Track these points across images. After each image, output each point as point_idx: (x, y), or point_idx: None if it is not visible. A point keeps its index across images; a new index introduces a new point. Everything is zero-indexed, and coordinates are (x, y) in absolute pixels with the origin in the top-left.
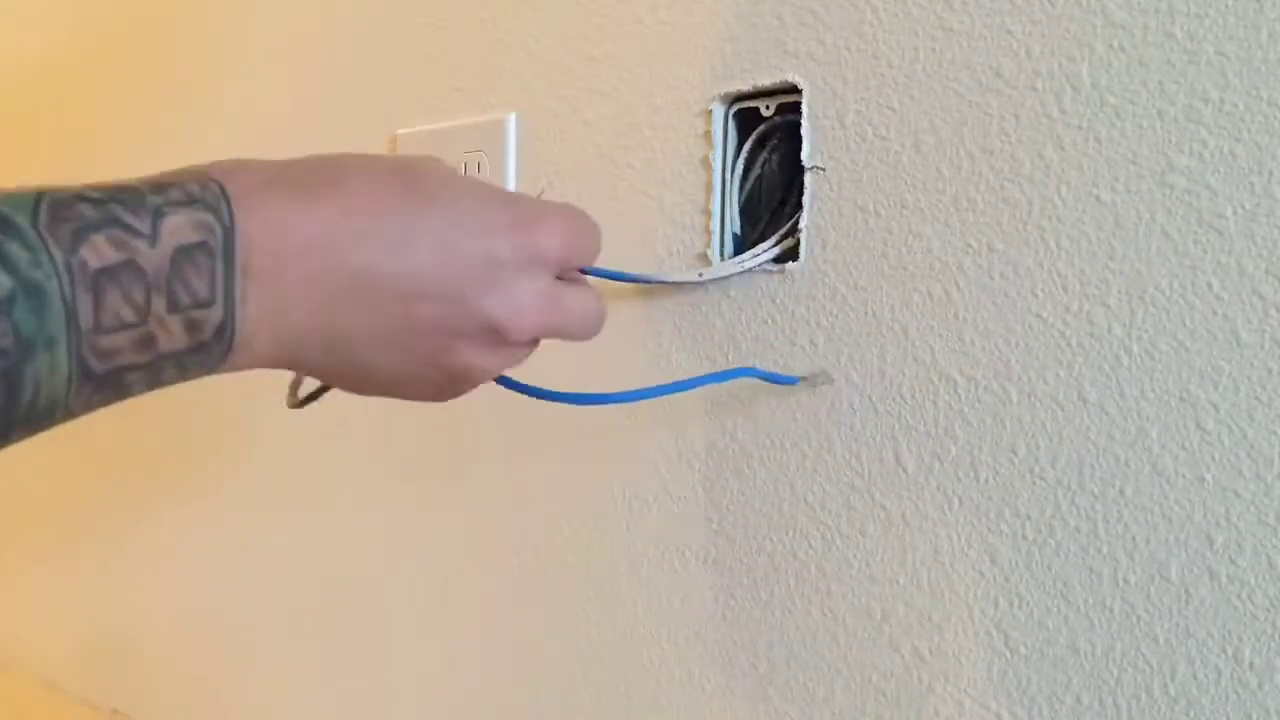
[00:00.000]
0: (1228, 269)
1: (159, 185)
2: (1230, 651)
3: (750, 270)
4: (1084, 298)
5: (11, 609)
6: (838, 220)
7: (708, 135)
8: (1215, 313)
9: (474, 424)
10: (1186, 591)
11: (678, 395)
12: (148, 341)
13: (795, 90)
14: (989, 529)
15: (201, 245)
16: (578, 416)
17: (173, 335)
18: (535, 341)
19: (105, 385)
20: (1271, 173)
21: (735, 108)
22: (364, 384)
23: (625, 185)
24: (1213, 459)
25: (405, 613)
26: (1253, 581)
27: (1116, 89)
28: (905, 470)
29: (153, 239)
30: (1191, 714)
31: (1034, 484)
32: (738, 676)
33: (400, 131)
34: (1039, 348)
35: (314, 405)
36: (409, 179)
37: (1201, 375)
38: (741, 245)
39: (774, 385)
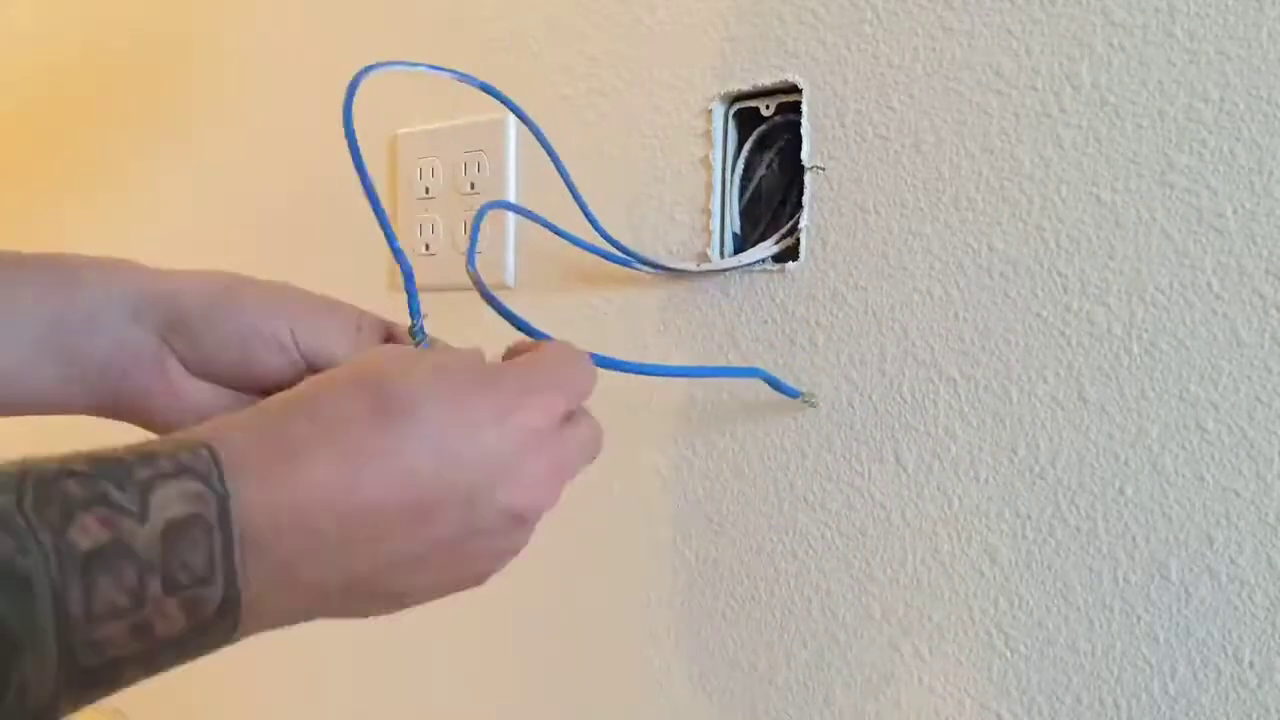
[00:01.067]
0: (1228, 268)
1: (147, 455)
2: (1230, 651)
3: (750, 269)
4: (1084, 297)
5: None
6: (838, 220)
7: (708, 135)
8: (1215, 312)
9: None
10: (1186, 591)
11: (679, 394)
12: (144, 629)
13: (795, 90)
14: (989, 529)
15: (195, 518)
16: None
17: (171, 619)
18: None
19: (97, 681)
20: (1272, 172)
21: (735, 107)
22: (393, 608)
23: (625, 185)
24: (1213, 458)
25: (406, 616)
26: (1253, 581)
27: (1116, 88)
28: (905, 470)
29: (142, 515)
30: (1191, 713)
31: (1034, 484)
32: (738, 676)
33: (400, 131)
34: (1039, 347)
35: None
36: (381, 396)
37: (1201, 375)
38: (742, 245)
39: (775, 388)
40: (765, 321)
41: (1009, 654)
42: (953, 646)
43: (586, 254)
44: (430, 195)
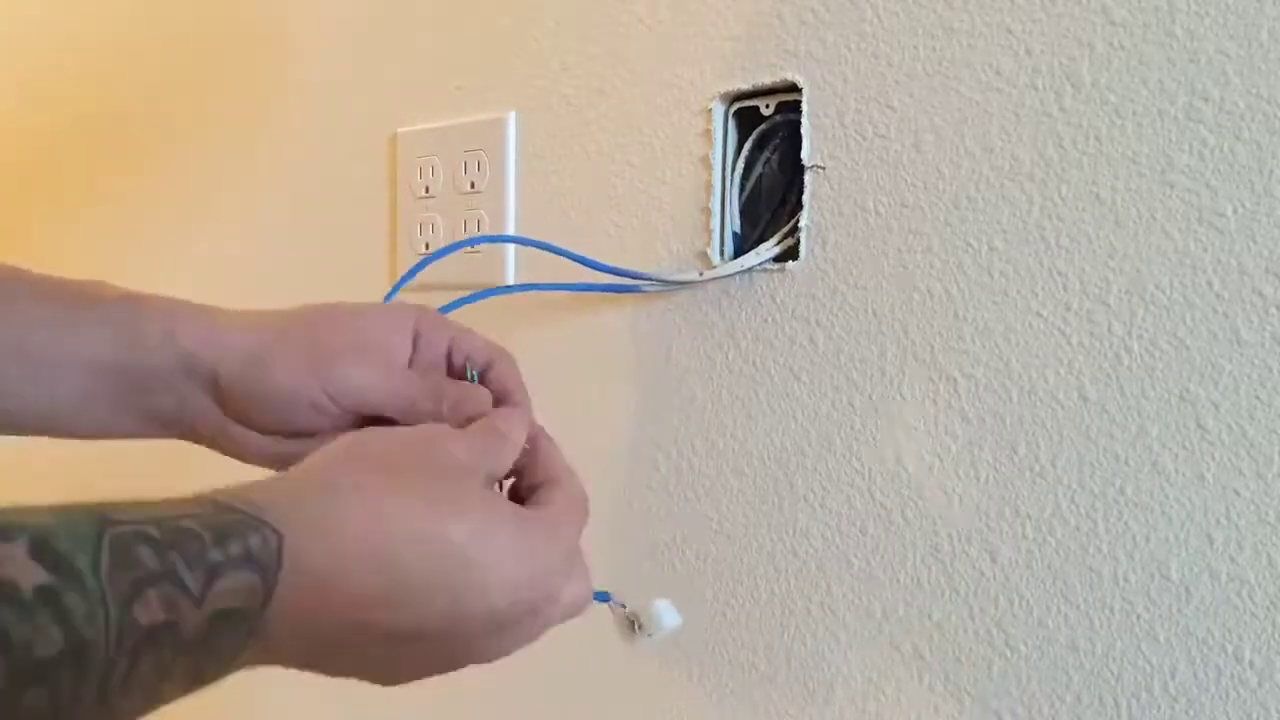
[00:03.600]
0: (1228, 268)
1: (223, 534)
2: (1230, 650)
3: (751, 269)
4: (1084, 296)
5: None
6: (838, 219)
7: (708, 134)
8: (1215, 311)
9: None
10: (1186, 590)
11: (679, 393)
12: (156, 698)
13: (795, 89)
14: (989, 528)
15: (243, 614)
16: (579, 408)
17: (177, 688)
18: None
19: None
20: (1272, 171)
21: (735, 106)
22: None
23: (625, 184)
24: (1213, 458)
25: None
26: (1253, 580)
27: (1117, 87)
28: (905, 470)
29: (199, 601)
30: (1191, 712)
31: (1034, 483)
32: (738, 676)
33: (400, 130)
34: (1039, 346)
35: None
36: (441, 527)
37: (1202, 374)
38: (742, 244)
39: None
40: (765, 321)
41: (1009, 654)
42: (953, 646)
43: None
44: (430, 194)
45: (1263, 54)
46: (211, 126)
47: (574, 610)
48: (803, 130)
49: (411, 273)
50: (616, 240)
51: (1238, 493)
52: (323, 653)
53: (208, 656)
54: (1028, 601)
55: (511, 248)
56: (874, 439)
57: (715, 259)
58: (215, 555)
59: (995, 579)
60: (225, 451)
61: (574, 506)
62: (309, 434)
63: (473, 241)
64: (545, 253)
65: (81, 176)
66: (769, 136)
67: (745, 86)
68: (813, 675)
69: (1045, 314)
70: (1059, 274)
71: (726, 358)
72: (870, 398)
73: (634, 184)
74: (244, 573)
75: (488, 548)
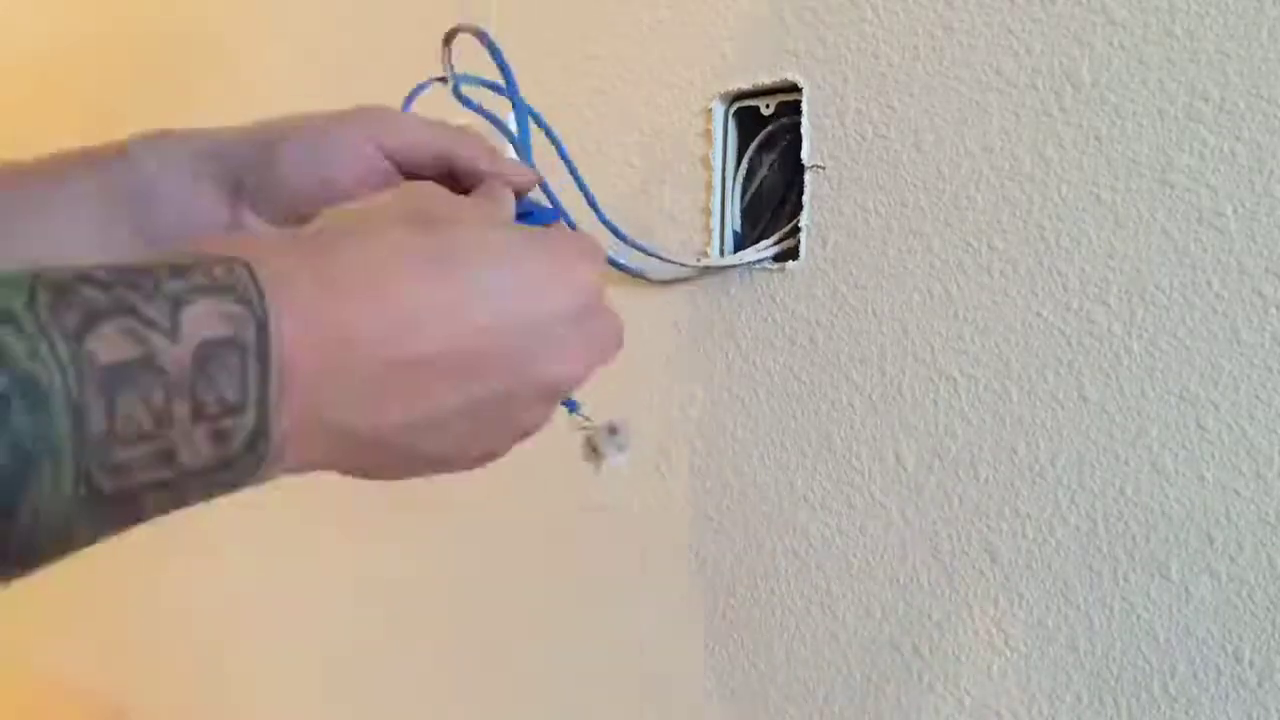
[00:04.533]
0: (1228, 267)
1: (177, 268)
2: (1230, 650)
3: (750, 269)
4: (1084, 296)
5: (16, 609)
6: (838, 219)
7: (708, 134)
8: (1215, 311)
9: None
10: (1186, 590)
11: (679, 393)
12: (168, 456)
13: (795, 89)
14: (989, 528)
15: (230, 341)
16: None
17: (197, 448)
18: None
19: (116, 510)
20: (1272, 171)
21: (735, 106)
22: (409, 472)
23: (625, 184)
24: (1213, 458)
25: (406, 615)
26: (1252, 580)
27: (1117, 87)
28: (905, 469)
29: (173, 332)
30: (1191, 712)
31: (1034, 483)
32: (738, 676)
33: None
34: (1039, 346)
35: None
36: (438, 242)
37: (1202, 374)
38: (742, 244)
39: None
40: (765, 320)
41: (1009, 653)
42: (953, 646)
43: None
44: None
45: (1263, 54)
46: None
47: (581, 365)
48: (803, 130)
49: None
50: (620, 230)
51: (1238, 493)
52: (356, 404)
53: (214, 399)
54: (1028, 601)
55: None
56: (873, 438)
57: (715, 258)
58: (174, 285)
59: (995, 579)
60: None
61: (578, 234)
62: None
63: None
64: None
65: None
66: (774, 139)
67: (745, 86)
68: (813, 676)
69: (1045, 314)
70: (1059, 274)
71: (727, 356)
72: (870, 398)
73: (634, 184)
74: (217, 299)
75: (497, 249)
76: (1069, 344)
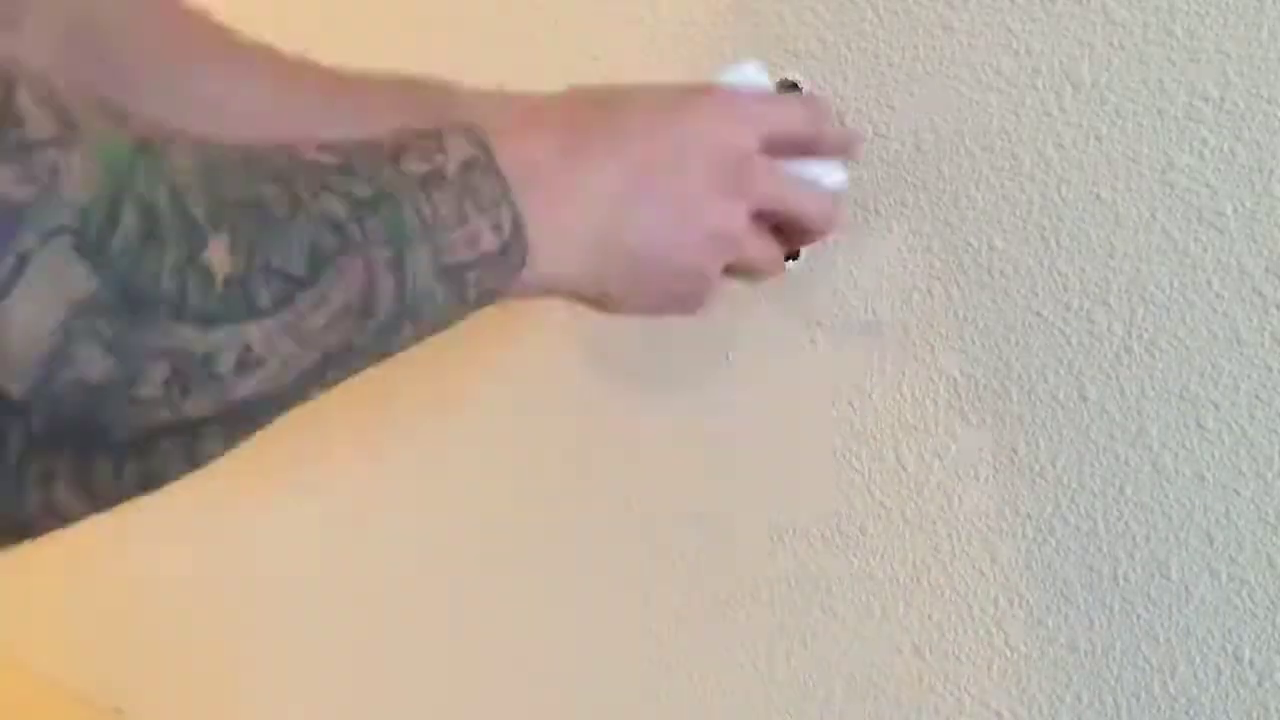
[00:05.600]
0: (1228, 267)
1: (425, 132)
2: (1230, 650)
3: None
4: (1084, 296)
5: (13, 606)
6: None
7: None
8: (1215, 311)
9: (470, 426)
10: (1186, 590)
11: (674, 391)
12: (473, 239)
13: (795, 88)
14: (989, 528)
15: (477, 159)
16: (578, 407)
17: (483, 236)
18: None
19: (452, 284)
20: (1272, 171)
21: None
22: (634, 285)
23: None
24: (1213, 457)
25: (408, 613)
26: (1253, 580)
27: (1117, 87)
28: (905, 469)
29: (446, 153)
30: (1191, 712)
31: (1034, 483)
32: (738, 676)
33: None
34: (1039, 346)
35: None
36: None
37: (1202, 373)
38: None
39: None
40: (765, 320)
41: (1009, 653)
42: (953, 646)
43: None
44: None
45: (1263, 54)
46: None
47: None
48: None
49: None
50: None
51: (1238, 492)
52: (566, 203)
53: (484, 197)
54: (1028, 601)
55: None
56: (874, 438)
57: None
58: (410, 138)
59: (995, 579)
60: None
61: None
62: None
63: None
64: None
65: None
66: None
67: None
68: (813, 676)
69: (1045, 314)
70: (1059, 273)
71: (726, 358)
72: (870, 397)
73: None
74: (457, 136)
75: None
76: (1069, 344)
